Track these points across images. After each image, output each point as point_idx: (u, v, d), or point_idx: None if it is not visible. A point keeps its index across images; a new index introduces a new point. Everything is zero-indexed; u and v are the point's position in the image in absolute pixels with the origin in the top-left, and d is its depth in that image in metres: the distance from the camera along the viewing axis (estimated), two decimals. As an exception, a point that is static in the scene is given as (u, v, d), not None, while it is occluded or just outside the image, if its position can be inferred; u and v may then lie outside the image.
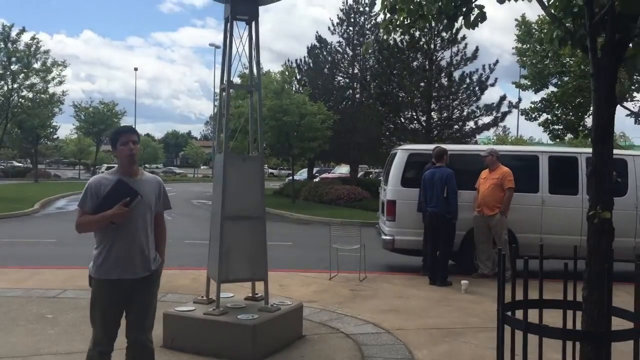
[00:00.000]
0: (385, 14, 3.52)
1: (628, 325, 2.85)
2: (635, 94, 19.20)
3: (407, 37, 22.99)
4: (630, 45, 2.92)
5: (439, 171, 8.66)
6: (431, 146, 9.55)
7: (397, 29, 3.55)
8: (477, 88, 23.76)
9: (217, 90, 5.89)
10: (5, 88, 27.40)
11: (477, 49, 23.92)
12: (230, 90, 5.76)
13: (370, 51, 25.54)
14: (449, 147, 9.81)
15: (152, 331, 4.03)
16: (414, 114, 24.54)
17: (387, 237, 9.53)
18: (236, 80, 29.96)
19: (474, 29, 3.52)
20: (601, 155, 2.88)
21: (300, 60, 31.43)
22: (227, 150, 5.40)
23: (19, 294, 7.33)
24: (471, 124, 24.74)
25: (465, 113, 24.35)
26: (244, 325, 5.13)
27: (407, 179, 9.53)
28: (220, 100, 5.52)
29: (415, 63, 24.25)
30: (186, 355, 5.18)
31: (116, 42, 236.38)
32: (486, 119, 24.59)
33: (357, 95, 29.78)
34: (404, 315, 6.83)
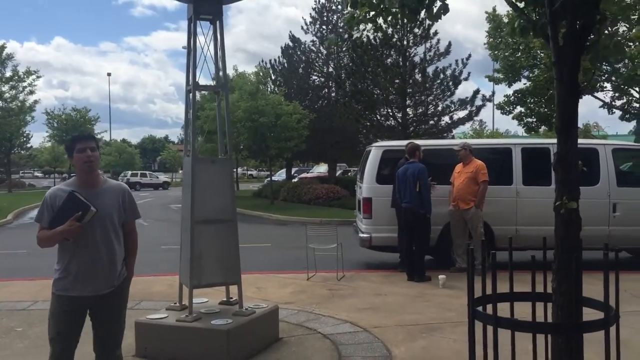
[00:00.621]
0: (346, 9, 3.46)
1: (600, 315, 2.83)
2: (605, 84, 19.48)
3: (379, 34, 23.00)
4: (592, 33, 2.89)
5: (412, 167, 8.63)
6: (405, 142, 9.53)
7: (361, 23, 3.49)
8: (450, 83, 23.87)
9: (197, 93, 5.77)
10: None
11: (449, 44, 24.05)
12: (201, 92, 5.64)
13: (333, 46, 25.51)
14: (423, 142, 9.79)
15: (120, 346, 3.91)
16: (390, 110, 24.58)
17: (364, 235, 9.49)
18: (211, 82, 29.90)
19: (437, 21, 3.48)
20: (566, 145, 2.84)
21: (275, 60, 31.38)
22: (194, 153, 5.30)
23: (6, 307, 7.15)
24: (446, 118, 24.87)
25: (440, 108, 24.46)
26: (217, 330, 5.04)
27: (382, 175, 9.50)
28: (186, 103, 5.41)
29: (389, 60, 24.28)
30: (160, 364, 5.08)
31: (88, 47, 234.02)
32: (461, 113, 24.76)
33: (333, 94, 29.79)
34: (382, 312, 6.78)
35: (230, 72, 30.26)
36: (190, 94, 5.38)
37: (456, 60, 23.97)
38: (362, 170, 10.08)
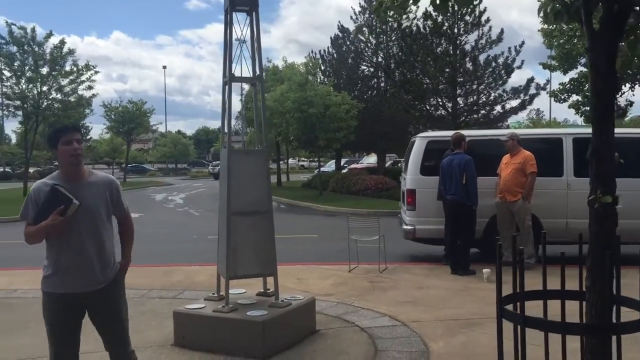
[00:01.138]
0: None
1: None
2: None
3: (429, 22, 22.66)
4: (630, 16, 2.72)
5: (457, 157, 8.45)
6: (450, 133, 9.33)
7: (388, 11, 3.40)
8: (503, 71, 23.28)
9: (245, 85, 5.79)
10: (35, 91, 27.93)
11: (502, 32, 23.46)
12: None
13: (360, 35, 25.20)
14: (469, 132, 9.57)
15: (128, 343, 3.78)
16: (440, 100, 24.18)
17: (408, 227, 9.37)
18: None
19: (467, 6, 3.35)
20: (600, 137, 2.69)
21: (324, 51, 31.30)
22: (230, 145, 5.32)
23: (37, 295, 7.36)
24: (498, 108, 24.28)
25: (491, 97, 23.91)
26: (253, 321, 5.06)
27: (427, 167, 9.34)
28: (223, 95, 5.43)
29: (439, 49, 23.88)
30: (197, 354, 5.14)
31: (145, 41, 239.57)
32: (514, 103, 24.11)
33: (382, 84, 29.51)
34: (422, 306, 6.68)
35: (279, 63, 30.42)
36: (227, 86, 5.39)
37: (509, 48, 23.38)
38: (407, 162, 9.94)
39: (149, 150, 76.39)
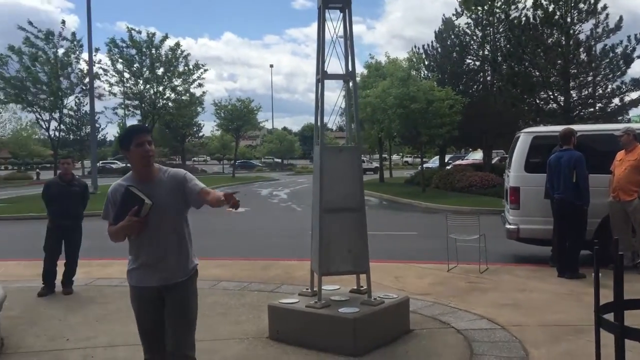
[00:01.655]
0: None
1: None
2: None
3: (539, 12, 21.59)
4: None
5: (566, 154, 7.97)
6: (559, 128, 8.83)
7: (478, 4, 3.26)
8: (621, 61, 21.70)
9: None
10: (152, 91, 29.66)
11: (620, 19, 21.85)
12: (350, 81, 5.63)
13: (473, 7, 24.36)
14: (579, 127, 9.01)
15: (190, 348, 3.65)
16: (550, 93, 22.97)
17: (511, 226, 8.98)
18: (361, 70, 29.88)
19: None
20: None
21: (428, 45, 30.73)
22: (322, 142, 5.35)
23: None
24: (616, 100, 22.68)
25: (609, 89, 22.37)
26: (344, 318, 5.06)
27: (532, 163, 8.91)
28: (316, 92, 5.46)
29: (550, 39, 22.65)
30: (290, 348, 5.22)
31: (254, 41, 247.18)
32: (634, 95, 22.41)
33: (488, 78, 28.54)
34: (524, 310, 6.38)
35: (382, 59, 30.24)
36: (320, 84, 5.42)
37: (628, 37, 21.71)
38: (511, 158, 9.53)
39: (256, 147, 78.78)
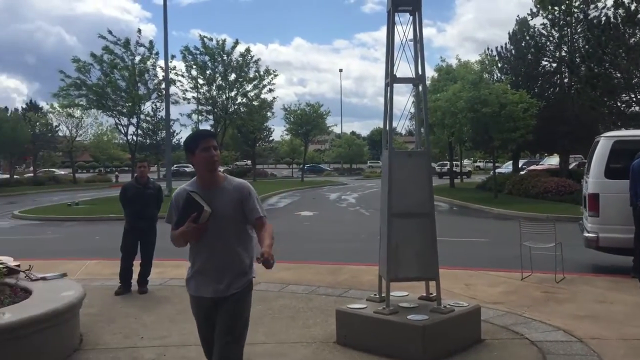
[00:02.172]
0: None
1: None
2: None
3: (621, 11, 20.62)
4: None
5: (650, 160, 7.56)
6: (641, 132, 8.39)
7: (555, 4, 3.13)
8: None
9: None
10: (224, 97, 30.37)
11: None
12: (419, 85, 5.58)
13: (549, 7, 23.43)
14: (665, 131, 8.52)
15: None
16: (633, 96, 21.86)
17: (590, 235, 8.60)
18: (431, 73, 29.43)
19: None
20: None
21: (501, 47, 29.93)
22: (391, 146, 5.29)
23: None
24: None
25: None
26: (413, 325, 4.98)
27: (612, 169, 8.51)
28: (385, 96, 5.41)
29: (632, 39, 21.58)
30: (357, 353, 5.18)
31: (323, 46, 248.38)
32: None
33: (565, 80, 27.49)
34: (603, 322, 6.07)
35: (453, 62, 29.71)
36: (389, 87, 5.37)
37: None
38: (589, 163, 9.13)
39: (325, 151, 79.17)
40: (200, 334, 3.67)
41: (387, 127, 5.44)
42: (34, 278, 5.91)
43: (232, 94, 30.79)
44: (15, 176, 44.17)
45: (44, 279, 5.93)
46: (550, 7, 24.31)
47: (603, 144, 8.73)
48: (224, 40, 30.14)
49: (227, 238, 3.46)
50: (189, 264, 3.65)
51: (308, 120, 44.29)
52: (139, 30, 31.19)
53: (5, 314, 4.81)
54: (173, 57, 29.85)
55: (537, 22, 27.76)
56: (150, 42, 29.38)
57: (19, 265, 6.27)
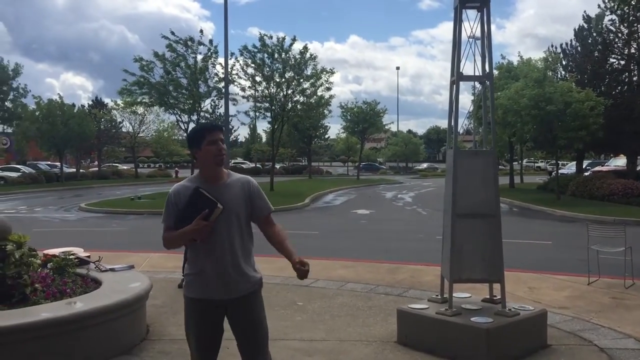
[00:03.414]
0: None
1: None
2: None
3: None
4: None
5: None
6: None
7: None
8: None
9: (477, 84, 5.69)
10: (281, 94, 30.58)
11: None
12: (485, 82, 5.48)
13: (601, 24, 22.49)
14: None
15: (265, 353, 3.45)
16: None
17: (663, 239, 8.23)
18: (494, 72, 28.98)
19: None
20: None
21: (566, 44, 29.03)
22: (456, 145, 5.20)
23: (279, 282, 8.07)
24: None
25: None
26: (476, 328, 4.89)
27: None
28: (450, 94, 5.32)
29: None
30: (418, 353, 5.13)
31: (379, 43, 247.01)
32: None
33: (635, 78, 26.40)
34: (678, 331, 5.80)
35: (514, 59, 28.99)
36: (454, 85, 5.28)
37: None
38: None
39: (381, 149, 78.82)
40: (201, 339, 3.35)
41: (453, 126, 5.35)
42: (103, 269, 6.12)
43: (290, 91, 30.98)
44: (81, 170, 45.86)
45: (112, 270, 6.13)
46: (627, 3, 23.18)
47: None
48: (284, 38, 30.34)
49: (233, 236, 3.27)
50: (186, 268, 3.50)
51: (365, 118, 44.15)
52: (201, 31, 31.85)
53: (77, 303, 5.00)
54: (232, 54, 30.27)
55: (605, 18, 26.73)
56: (211, 41, 29.87)
57: (89, 257, 6.51)
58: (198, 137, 3.26)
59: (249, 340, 3.36)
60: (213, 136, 3.24)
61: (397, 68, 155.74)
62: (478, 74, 5.34)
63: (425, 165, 71.37)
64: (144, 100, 30.55)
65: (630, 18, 25.81)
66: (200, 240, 3.21)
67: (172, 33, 28.33)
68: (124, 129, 49.63)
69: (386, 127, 53.68)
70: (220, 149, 3.24)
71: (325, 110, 38.62)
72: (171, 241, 3.32)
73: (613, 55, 27.31)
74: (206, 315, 3.31)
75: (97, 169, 48.54)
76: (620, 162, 32.30)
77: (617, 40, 26.96)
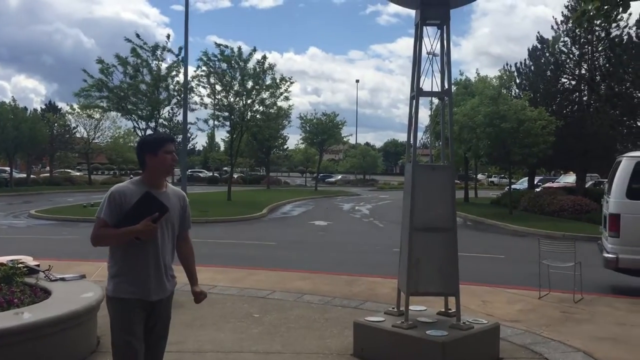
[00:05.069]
0: (579, 4, 3.11)
1: None
2: None
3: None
4: None
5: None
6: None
7: (594, 20, 3.11)
8: None
9: (434, 99, 5.78)
10: (241, 104, 30.46)
11: None
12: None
13: (557, 45, 23.36)
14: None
15: None
16: (654, 115, 21.69)
17: (610, 255, 8.50)
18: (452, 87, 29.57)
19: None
20: None
21: (520, 63, 29.82)
22: (415, 159, 5.27)
23: (234, 293, 7.98)
24: None
25: None
26: (432, 341, 4.93)
27: (634, 190, 8.42)
28: (410, 109, 5.40)
29: (655, 59, 21.45)
30: (374, 366, 5.14)
31: (338, 56, 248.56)
32: None
33: (585, 98, 27.30)
34: (624, 345, 5.99)
35: (471, 76, 29.63)
36: (414, 100, 5.35)
37: None
38: (610, 183, 9.04)
39: (339, 161, 79.19)
40: (136, 335, 3.40)
41: (412, 140, 5.42)
42: (53, 278, 5.93)
43: (249, 101, 30.86)
44: (31, 176, 44.53)
45: (63, 279, 5.95)
46: (586, 25, 24.14)
47: (625, 165, 8.65)
48: (240, 48, 30.27)
49: (169, 240, 3.51)
50: (109, 268, 3.52)
51: (324, 130, 44.36)
52: (168, 36, 31.29)
53: (25, 313, 4.83)
54: (198, 66, 30.02)
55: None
56: (180, 48, 29.27)
57: (38, 265, 6.30)
58: (157, 144, 3.46)
59: (160, 344, 3.59)
60: (170, 147, 3.47)
61: (357, 81, 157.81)
62: (437, 90, 5.43)
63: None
64: (101, 104, 29.89)
65: (582, 40, 26.75)
66: (144, 240, 3.33)
67: (137, 36, 27.83)
68: (78, 135, 48.46)
69: (345, 139, 54.07)
70: (175, 160, 3.49)
71: (284, 121, 38.68)
72: (107, 238, 3.39)
73: (565, 76, 28.20)
74: (140, 313, 3.41)
75: (48, 174, 47.22)
76: (570, 179, 33.36)
77: (568, 61, 27.88)
